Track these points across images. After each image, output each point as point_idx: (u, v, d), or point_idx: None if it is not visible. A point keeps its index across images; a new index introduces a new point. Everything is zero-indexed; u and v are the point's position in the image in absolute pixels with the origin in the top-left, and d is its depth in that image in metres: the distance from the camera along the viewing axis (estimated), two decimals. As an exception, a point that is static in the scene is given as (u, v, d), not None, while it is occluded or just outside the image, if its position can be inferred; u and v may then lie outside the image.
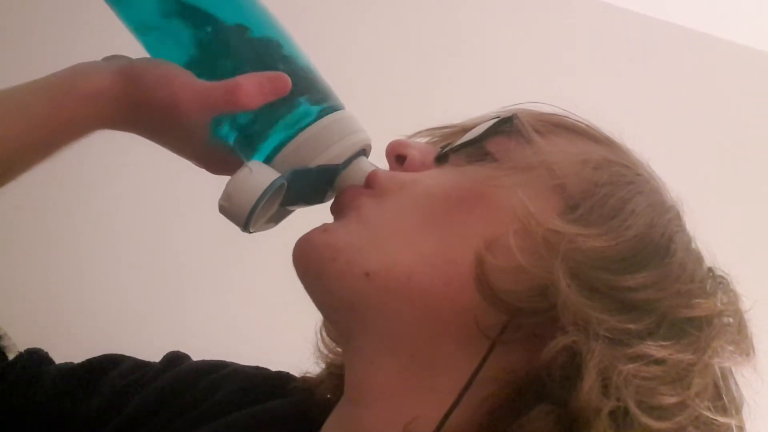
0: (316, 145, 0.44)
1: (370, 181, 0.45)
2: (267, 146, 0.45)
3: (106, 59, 0.47)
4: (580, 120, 0.49)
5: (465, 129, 0.50)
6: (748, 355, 0.43)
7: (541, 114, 0.49)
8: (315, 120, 0.45)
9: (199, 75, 0.44)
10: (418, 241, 0.42)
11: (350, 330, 0.44)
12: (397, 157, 0.48)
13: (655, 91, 1.46)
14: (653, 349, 0.37)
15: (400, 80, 1.28)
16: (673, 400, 0.37)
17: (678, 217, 0.46)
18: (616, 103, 1.41)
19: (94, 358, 0.55)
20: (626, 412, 0.36)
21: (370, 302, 0.42)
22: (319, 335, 0.54)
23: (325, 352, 0.53)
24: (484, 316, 0.40)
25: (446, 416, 0.39)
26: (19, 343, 0.67)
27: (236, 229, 0.50)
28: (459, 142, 0.47)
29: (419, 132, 0.52)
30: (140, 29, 0.47)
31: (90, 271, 1.07)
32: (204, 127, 0.44)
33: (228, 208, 0.42)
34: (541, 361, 0.37)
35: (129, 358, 0.56)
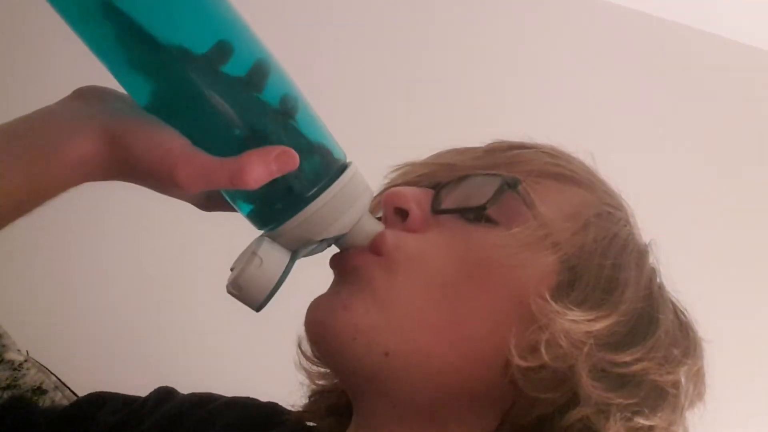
0: (324, 219, 0.43)
1: (378, 248, 0.45)
2: (271, 219, 0.43)
3: (80, 95, 0.42)
4: (565, 164, 0.51)
5: (454, 167, 0.50)
6: (703, 397, 0.48)
7: (529, 162, 0.50)
8: (323, 190, 0.42)
9: (190, 130, 0.40)
10: (435, 319, 0.43)
11: (364, 396, 0.46)
12: (396, 209, 0.48)
13: (654, 90, 1.46)
14: (648, 419, 0.42)
15: (393, 87, 1.26)
16: None
17: (648, 255, 0.49)
18: (616, 104, 1.42)
19: (81, 398, 0.55)
20: None
21: (388, 378, 0.43)
22: (299, 352, 0.55)
23: (311, 369, 0.55)
24: (498, 391, 0.43)
25: None
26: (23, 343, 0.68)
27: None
28: (460, 204, 0.47)
29: (406, 164, 0.53)
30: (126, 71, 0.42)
31: (87, 281, 1.07)
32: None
33: (239, 297, 0.42)
34: (559, 427, 0.41)
35: (115, 394, 0.56)
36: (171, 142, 0.39)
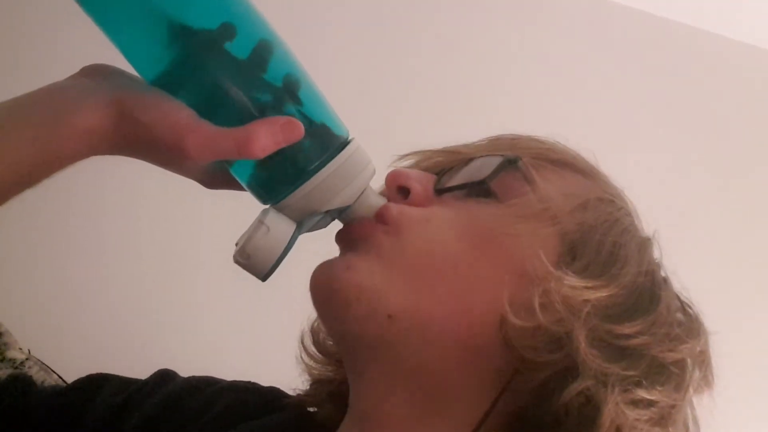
0: (328, 190, 0.44)
1: (383, 217, 0.46)
2: (277, 191, 0.44)
3: (87, 72, 0.43)
4: (567, 152, 0.51)
5: (458, 153, 0.51)
6: (711, 385, 0.47)
7: (531, 148, 0.50)
8: (326, 163, 0.43)
9: (196, 104, 0.41)
10: (438, 284, 0.43)
11: (365, 363, 0.45)
12: (399, 188, 0.48)
13: (655, 89, 1.47)
14: (648, 393, 0.42)
15: (396, 83, 1.27)
16: None
17: (651, 246, 0.49)
18: (618, 103, 1.42)
19: (81, 379, 0.55)
20: None
21: (390, 342, 0.43)
22: (301, 347, 0.55)
23: (311, 364, 0.55)
24: (499, 361, 0.43)
25: None
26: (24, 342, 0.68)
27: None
28: (463, 181, 0.48)
29: (412, 153, 0.53)
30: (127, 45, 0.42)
31: (88, 274, 1.07)
32: (203, 165, 0.43)
33: (246, 265, 0.42)
34: (561, 401, 0.40)
35: (114, 376, 0.56)
36: (179, 113, 0.39)
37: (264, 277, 0.43)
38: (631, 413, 0.40)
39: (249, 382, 0.56)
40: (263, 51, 0.43)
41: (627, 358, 0.42)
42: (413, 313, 0.43)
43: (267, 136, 0.40)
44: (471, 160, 0.50)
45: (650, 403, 0.41)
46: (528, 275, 0.42)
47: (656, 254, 0.49)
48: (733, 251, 1.41)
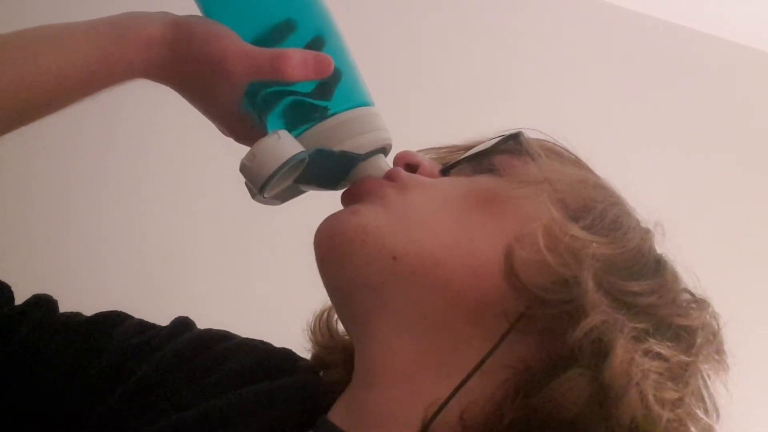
0: (344, 132, 0.47)
1: (392, 176, 0.48)
2: (295, 128, 0.47)
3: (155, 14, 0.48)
4: (570, 150, 0.54)
5: (465, 148, 0.54)
6: (726, 364, 0.47)
7: (536, 139, 0.53)
8: (347, 108, 0.47)
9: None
10: (443, 232, 0.45)
11: (368, 313, 0.45)
12: (407, 165, 0.51)
13: (656, 92, 1.47)
14: (659, 346, 0.42)
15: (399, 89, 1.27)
16: (675, 395, 0.41)
17: (652, 235, 0.50)
18: (619, 106, 1.42)
19: (102, 313, 0.55)
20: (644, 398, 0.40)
21: (395, 285, 0.44)
22: (310, 327, 0.56)
23: (326, 335, 0.55)
24: (504, 305, 0.43)
25: (454, 393, 0.42)
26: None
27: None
28: (468, 154, 0.51)
29: (420, 151, 0.55)
30: None
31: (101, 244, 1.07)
32: (241, 90, 0.46)
33: (250, 168, 0.44)
34: (573, 337, 0.40)
35: (133, 317, 0.56)
36: (226, 32, 0.46)
37: (262, 187, 0.44)
38: (642, 360, 0.40)
39: (262, 342, 0.56)
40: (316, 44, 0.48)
41: (636, 315, 0.42)
42: (418, 256, 0.44)
43: (299, 59, 0.44)
44: (474, 147, 0.53)
45: (661, 357, 0.41)
46: (533, 233, 0.43)
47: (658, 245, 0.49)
48: (730, 251, 1.41)
